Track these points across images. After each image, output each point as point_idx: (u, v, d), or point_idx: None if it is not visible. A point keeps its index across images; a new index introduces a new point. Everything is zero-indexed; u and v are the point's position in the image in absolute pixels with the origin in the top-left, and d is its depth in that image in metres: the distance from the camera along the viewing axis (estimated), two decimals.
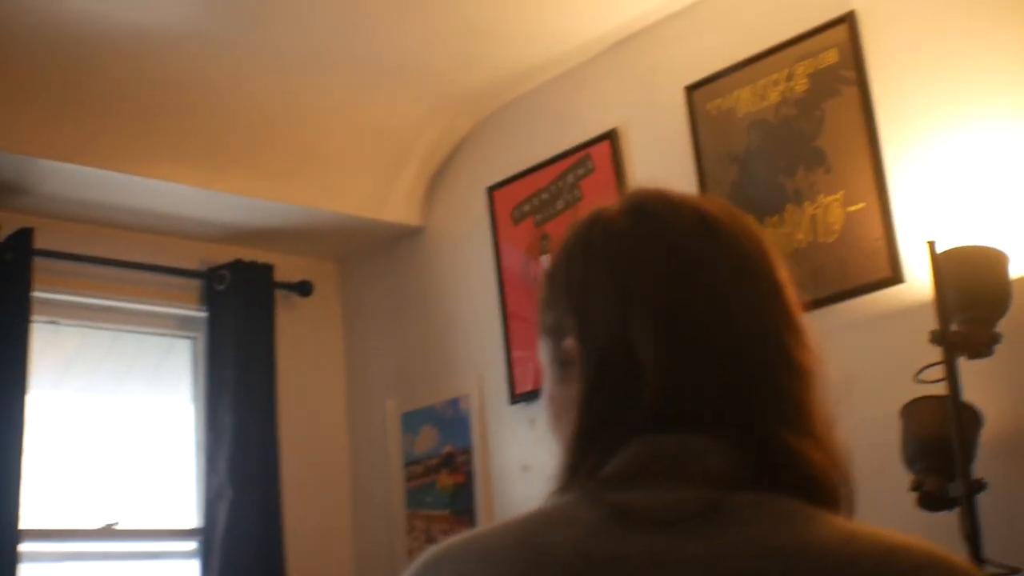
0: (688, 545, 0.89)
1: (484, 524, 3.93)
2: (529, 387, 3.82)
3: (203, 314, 4.22)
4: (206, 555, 4.00)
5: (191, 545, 4.12)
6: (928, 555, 0.90)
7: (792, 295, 1.05)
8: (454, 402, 4.12)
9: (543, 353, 1.10)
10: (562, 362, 1.05)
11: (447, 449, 4.12)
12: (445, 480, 4.10)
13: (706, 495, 0.92)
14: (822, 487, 0.97)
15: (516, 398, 3.89)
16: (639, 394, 0.97)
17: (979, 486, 2.52)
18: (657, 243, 1.03)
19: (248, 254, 4.28)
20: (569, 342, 1.03)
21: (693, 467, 0.94)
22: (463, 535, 0.99)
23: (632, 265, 1.02)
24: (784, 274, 1.06)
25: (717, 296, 1.00)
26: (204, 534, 4.03)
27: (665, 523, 0.91)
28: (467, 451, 4.04)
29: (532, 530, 0.95)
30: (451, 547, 0.98)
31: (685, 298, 1.00)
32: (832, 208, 3.14)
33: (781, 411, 0.98)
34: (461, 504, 4.02)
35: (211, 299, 4.21)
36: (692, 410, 0.97)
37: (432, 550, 1.00)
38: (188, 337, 4.35)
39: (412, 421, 4.27)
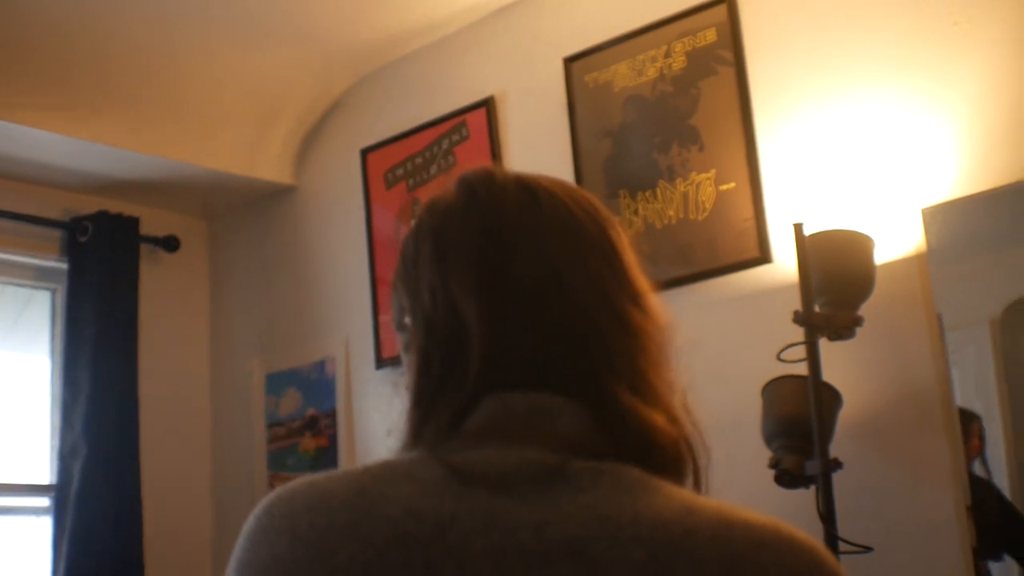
0: (521, 509, 0.89)
1: None
2: (396, 352, 3.80)
3: (64, 265, 4.10)
4: (59, 512, 3.91)
5: (44, 501, 4.03)
6: (769, 531, 0.88)
7: (631, 259, 1.06)
8: (319, 365, 4.09)
9: (398, 342, 1.10)
10: (406, 342, 1.06)
11: (311, 412, 4.08)
12: (308, 443, 4.06)
13: (547, 459, 0.92)
14: (667, 456, 0.96)
15: (382, 363, 3.87)
16: (468, 352, 0.97)
17: (836, 465, 2.58)
18: (478, 211, 1.04)
19: (114, 206, 4.18)
20: (406, 320, 1.05)
21: (540, 428, 0.94)
22: (304, 479, 0.99)
23: (454, 234, 1.03)
24: (621, 238, 1.07)
25: (539, 256, 1.00)
26: (58, 491, 3.94)
27: (502, 486, 0.91)
28: (331, 415, 4.00)
29: (370, 482, 0.94)
30: (287, 490, 0.98)
31: (505, 260, 1.00)
32: (704, 186, 3.17)
33: (615, 370, 0.98)
34: (323, 467, 3.99)
35: (73, 250, 4.09)
36: (526, 367, 0.97)
37: (272, 493, 1.00)
38: (48, 289, 4.23)
39: (276, 383, 4.23)
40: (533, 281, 0.99)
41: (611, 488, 0.90)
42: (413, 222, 1.10)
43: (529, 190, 1.05)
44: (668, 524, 0.87)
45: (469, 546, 0.88)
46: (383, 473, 0.95)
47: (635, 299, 1.03)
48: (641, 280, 1.06)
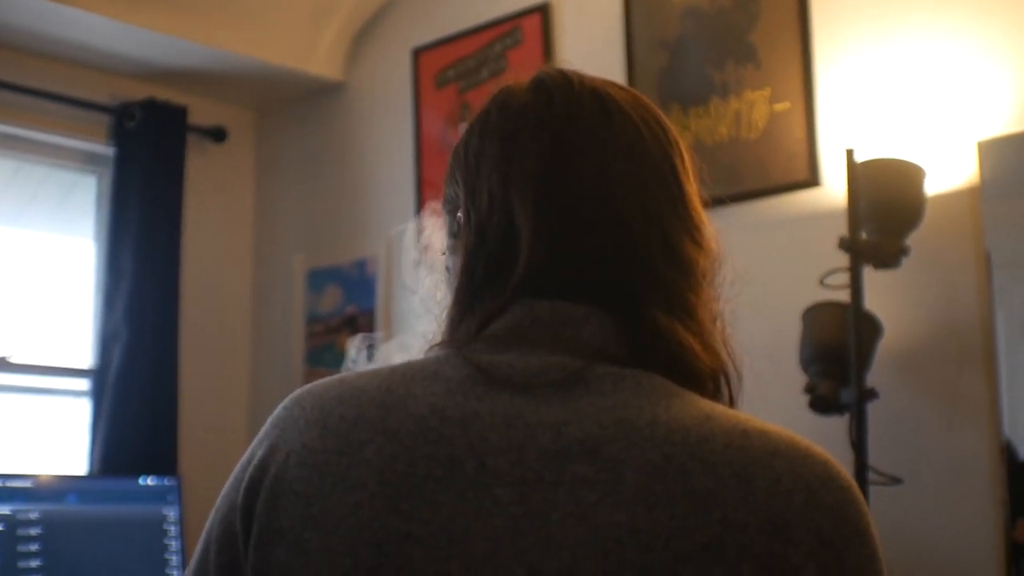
0: (540, 409, 0.91)
1: None
2: (437, 255, 3.79)
3: (111, 151, 4.10)
4: (98, 395, 3.96)
5: (84, 384, 4.08)
6: (784, 442, 0.88)
7: (692, 189, 1.05)
8: (360, 263, 4.09)
9: (442, 227, 1.11)
10: (454, 234, 1.07)
11: (350, 310, 4.10)
12: (346, 341, 4.08)
13: (569, 364, 0.93)
14: (693, 369, 0.97)
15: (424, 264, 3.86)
16: (515, 261, 0.98)
17: (871, 394, 2.57)
18: (548, 117, 1.03)
19: (162, 93, 4.16)
20: (459, 214, 1.05)
21: (566, 334, 0.96)
22: (335, 376, 1.01)
23: (521, 138, 1.02)
24: (686, 168, 1.06)
25: (602, 175, 1.00)
26: (97, 374, 3.99)
27: (524, 387, 0.93)
28: (370, 314, 4.02)
29: (398, 380, 0.96)
30: (319, 386, 1.01)
31: (569, 173, 1.00)
32: (757, 105, 3.12)
33: (657, 296, 0.98)
34: (360, 366, 4.01)
35: (120, 136, 4.09)
36: (567, 280, 0.98)
37: (302, 388, 1.02)
38: (93, 173, 4.24)
39: (317, 279, 4.24)
40: (592, 201, 0.99)
41: (632, 392, 0.92)
42: (481, 110, 1.08)
43: (604, 105, 1.04)
44: (685, 429, 0.88)
45: (489, 443, 0.90)
46: (411, 372, 0.97)
47: (690, 230, 1.03)
48: (699, 210, 1.06)
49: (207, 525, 1.00)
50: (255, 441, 1.01)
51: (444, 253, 1.10)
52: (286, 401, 1.01)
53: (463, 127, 1.10)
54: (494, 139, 1.04)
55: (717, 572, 0.82)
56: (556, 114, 1.03)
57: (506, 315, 0.98)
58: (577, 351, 0.95)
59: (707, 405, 0.92)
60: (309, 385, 1.02)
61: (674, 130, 1.08)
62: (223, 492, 1.00)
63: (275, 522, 0.93)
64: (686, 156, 1.07)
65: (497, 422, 0.91)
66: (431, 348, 1.03)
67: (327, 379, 1.01)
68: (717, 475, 0.85)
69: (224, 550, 0.96)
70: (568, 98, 1.04)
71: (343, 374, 1.01)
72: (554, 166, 1.00)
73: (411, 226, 1.19)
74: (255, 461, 0.98)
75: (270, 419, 1.01)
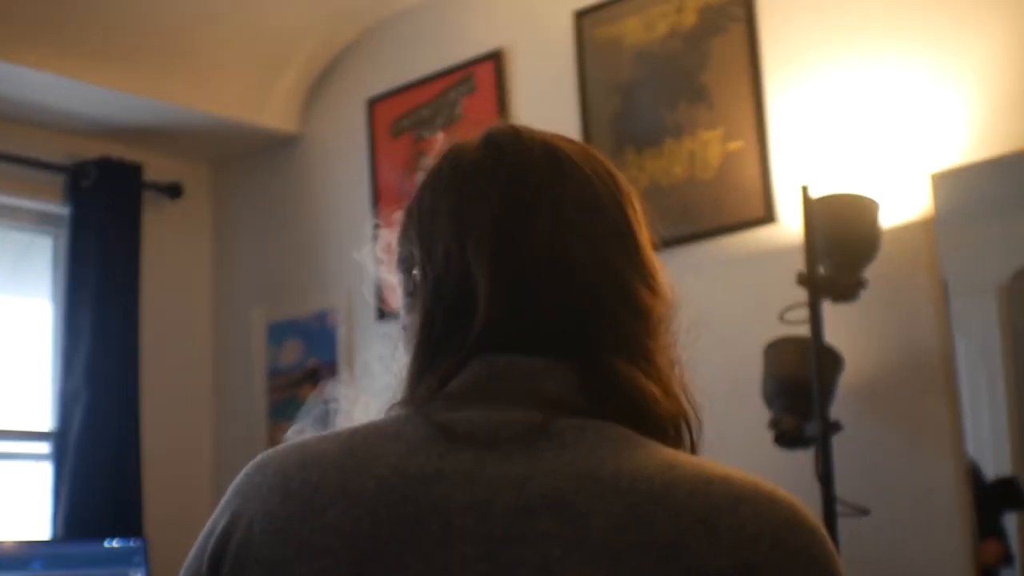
0: (503, 465, 0.91)
1: None
2: (397, 304, 3.79)
3: (66, 211, 4.08)
4: (59, 458, 3.92)
5: (44, 447, 4.03)
6: (748, 487, 0.88)
7: (644, 237, 1.06)
8: (321, 315, 4.08)
9: (397, 286, 1.10)
10: (411, 293, 1.06)
11: (312, 363, 4.08)
12: (309, 394, 4.06)
13: (531, 418, 0.93)
14: (654, 416, 0.97)
15: (384, 314, 3.86)
16: (473, 317, 0.98)
17: (835, 427, 2.58)
18: (500, 173, 1.03)
19: (116, 151, 4.15)
20: (415, 272, 1.05)
21: (525, 388, 0.96)
22: (296, 441, 1.00)
23: (474, 194, 1.02)
24: (638, 216, 1.07)
25: (556, 228, 1.01)
26: (58, 436, 3.94)
27: (487, 444, 0.92)
28: (332, 366, 4.00)
29: (359, 442, 0.96)
30: (280, 452, 1.00)
31: (523, 227, 1.00)
32: (711, 144, 3.15)
33: (616, 344, 0.99)
34: (323, 418, 3.99)
35: (75, 195, 4.07)
36: (525, 334, 0.98)
37: (263, 453, 1.01)
38: (49, 233, 4.22)
39: (277, 332, 4.22)
40: (546, 255, 1.00)
41: (594, 443, 0.91)
42: (432, 168, 1.09)
43: (554, 157, 1.05)
44: (648, 478, 0.88)
45: (454, 501, 0.89)
46: (371, 433, 0.97)
47: (645, 278, 1.04)
48: (652, 258, 1.06)
49: None
50: (218, 509, 0.99)
51: (400, 312, 1.10)
52: (248, 467, 1.00)
53: (420, 176, 1.10)
54: (447, 196, 1.04)
55: None
56: (507, 169, 1.03)
57: (465, 371, 0.98)
58: (538, 404, 0.94)
59: (670, 453, 0.92)
60: (271, 451, 1.01)
61: (624, 179, 1.09)
62: (186, 563, 0.99)
63: None
64: (637, 204, 1.08)
65: (460, 480, 0.90)
66: (391, 408, 1.02)
67: (288, 444, 1.01)
68: (681, 523, 0.85)
69: None
70: (518, 152, 1.05)
71: (303, 438, 1.00)
72: (508, 220, 1.00)
73: (367, 244, 1.18)
74: (217, 531, 0.97)
75: (232, 486, 1.00)
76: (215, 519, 0.98)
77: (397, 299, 1.11)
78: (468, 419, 0.94)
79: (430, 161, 1.10)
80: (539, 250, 1.00)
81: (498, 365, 0.97)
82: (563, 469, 0.89)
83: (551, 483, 0.88)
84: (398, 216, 1.10)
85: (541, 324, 0.99)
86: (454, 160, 1.07)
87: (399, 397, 1.03)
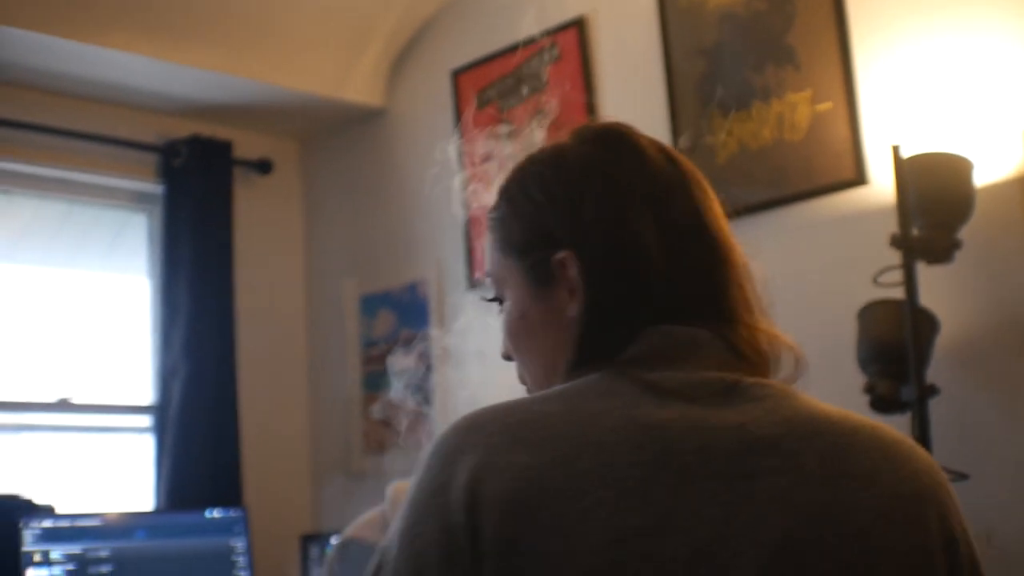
0: (716, 415, 1.04)
1: (440, 411, 3.95)
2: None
3: (159, 189, 4.16)
4: (160, 430, 4.01)
5: (146, 420, 4.12)
6: (893, 433, 1.10)
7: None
8: (412, 287, 4.11)
9: (511, 273, 1.19)
10: (544, 275, 1.15)
11: (405, 333, 4.11)
12: (401, 364, 4.09)
13: (725, 376, 1.08)
14: (774, 363, 1.15)
15: (475, 283, 3.89)
16: (648, 288, 1.11)
17: (932, 391, 2.55)
18: (639, 163, 1.15)
19: (206, 130, 4.21)
20: (563, 253, 1.13)
21: (702, 354, 1.09)
22: (496, 405, 1.06)
23: (622, 180, 1.14)
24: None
25: (693, 205, 1.15)
26: (159, 409, 4.03)
27: (691, 398, 1.05)
28: (425, 336, 4.03)
29: (575, 400, 1.05)
30: (490, 413, 1.04)
31: (668, 204, 1.14)
32: (799, 106, 3.11)
33: (738, 303, 1.14)
34: (416, 387, 4.02)
35: (168, 174, 4.14)
36: (687, 304, 1.12)
37: (468, 415, 1.05)
38: (144, 211, 4.30)
39: (370, 304, 4.26)
40: (692, 231, 1.14)
41: (779, 397, 1.08)
42: (530, 162, 1.19)
43: (663, 151, 1.18)
44: (837, 423, 1.07)
45: (684, 445, 1.01)
46: (578, 393, 1.06)
47: (734, 239, 1.18)
48: None
49: (397, 559, 1.00)
50: (431, 469, 1.02)
51: (521, 299, 1.18)
52: (456, 430, 1.04)
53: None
54: (588, 182, 1.14)
55: (896, 532, 1.03)
56: (635, 154, 1.16)
57: (642, 340, 1.09)
58: (720, 367, 1.09)
59: (823, 403, 1.10)
60: (473, 415, 1.05)
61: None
62: (411, 523, 1.01)
63: (510, 538, 0.97)
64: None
65: (684, 427, 1.02)
66: (565, 373, 1.12)
67: (495, 406, 1.05)
68: (873, 457, 1.05)
69: (452, 561, 0.97)
70: (630, 141, 1.18)
71: (501, 403, 1.06)
72: (657, 199, 1.14)
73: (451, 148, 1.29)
74: (459, 484, 0.99)
75: (443, 447, 1.03)
76: (437, 475, 1.01)
77: (499, 273, 1.21)
78: (669, 378, 1.06)
79: (525, 158, 1.21)
80: (686, 227, 1.14)
81: (676, 334, 1.10)
82: (767, 417, 1.05)
83: (764, 429, 1.03)
84: (485, 172, 1.19)
85: (697, 293, 1.12)
86: (576, 150, 1.18)
87: (571, 362, 1.12)
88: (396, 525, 1.03)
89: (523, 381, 1.23)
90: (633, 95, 3.49)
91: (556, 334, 1.15)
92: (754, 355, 1.12)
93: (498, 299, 1.23)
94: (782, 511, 1.00)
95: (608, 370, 1.07)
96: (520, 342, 1.19)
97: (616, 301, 1.11)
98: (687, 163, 1.18)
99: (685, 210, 1.14)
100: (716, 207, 1.17)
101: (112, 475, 4.07)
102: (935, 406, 2.57)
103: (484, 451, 1.00)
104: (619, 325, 1.10)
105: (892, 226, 2.61)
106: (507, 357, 1.24)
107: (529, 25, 3.79)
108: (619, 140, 1.17)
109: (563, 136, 1.20)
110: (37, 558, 3.25)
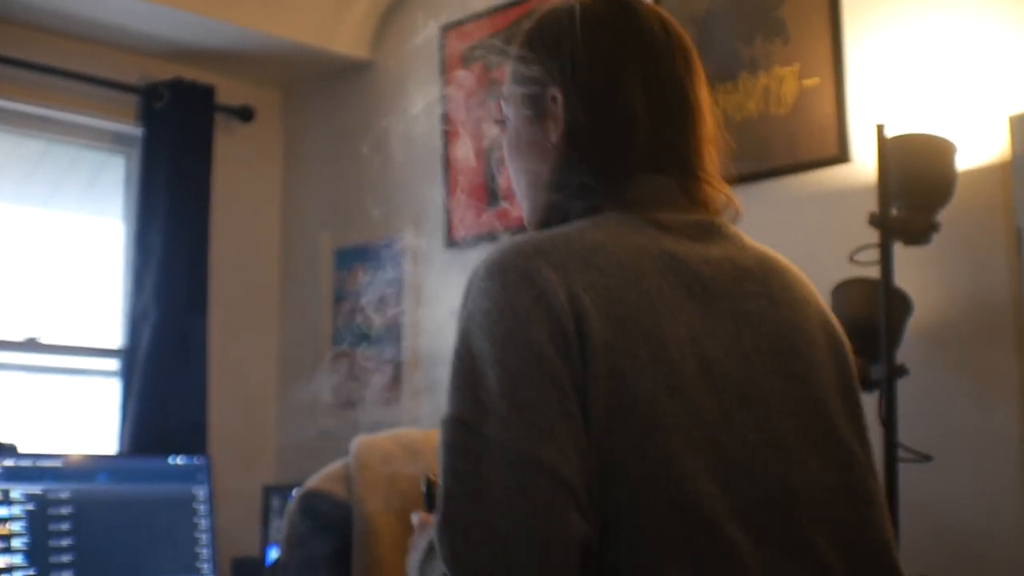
0: (712, 249, 1.30)
1: (408, 367, 3.94)
2: (464, 233, 3.79)
3: (139, 131, 4.12)
4: (127, 375, 3.99)
5: (113, 363, 4.10)
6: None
7: None
8: (388, 242, 4.09)
9: (514, 99, 1.39)
10: (537, 105, 1.36)
11: (378, 289, 4.09)
12: (373, 319, 4.08)
13: (703, 218, 1.32)
14: (733, 210, 1.40)
15: (452, 243, 3.87)
16: (630, 139, 1.31)
17: (901, 371, 2.55)
18: (638, 27, 1.35)
19: (189, 73, 4.17)
20: (554, 90, 1.34)
21: (680, 199, 1.33)
22: (537, 234, 1.25)
23: (620, 41, 1.34)
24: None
25: (675, 76, 1.35)
26: (127, 354, 4.01)
27: (691, 236, 1.29)
28: (397, 292, 4.01)
29: (614, 232, 1.25)
30: (541, 240, 1.22)
31: (659, 72, 1.34)
32: (787, 80, 3.10)
33: (704, 160, 1.35)
34: (389, 344, 4.02)
35: (148, 116, 4.10)
36: (663, 156, 1.32)
37: (514, 243, 1.22)
38: (122, 153, 4.25)
39: (345, 258, 4.24)
40: (672, 91, 1.34)
41: (739, 236, 1.34)
42: (552, 12, 1.40)
43: (658, 15, 1.38)
44: (777, 258, 1.36)
45: (702, 271, 1.26)
46: (618, 225, 1.27)
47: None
48: None
49: (510, 361, 1.13)
50: (512, 285, 1.17)
51: (518, 121, 1.39)
52: (516, 254, 1.20)
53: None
54: (592, 35, 1.34)
55: (821, 335, 1.33)
56: (641, 26, 1.35)
57: (639, 186, 1.31)
58: (697, 210, 1.33)
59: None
60: (519, 242, 1.21)
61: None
62: (513, 330, 1.15)
63: (609, 340, 1.16)
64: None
65: (697, 258, 1.27)
66: (586, 207, 1.31)
67: (531, 238, 1.23)
68: (802, 285, 1.36)
69: (564, 361, 1.14)
70: (644, 15, 1.37)
71: (535, 235, 1.24)
72: (648, 61, 1.33)
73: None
74: (560, 296, 1.16)
75: (507, 268, 1.19)
76: (531, 290, 1.16)
77: (508, 98, 1.41)
78: (672, 219, 1.29)
79: (548, 10, 1.41)
80: (671, 90, 1.34)
81: (658, 183, 1.32)
82: (741, 253, 1.32)
83: (743, 261, 1.31)
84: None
85: (672, 146, 1.33)
86: (589, 9, 1.36)
87: (553, 179, 1.35)
88: (479, 336, 1.16)
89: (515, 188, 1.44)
90: None
91: (540, 154, 1.36)
92: (709, 202, 1.35)
93: (503, 120, 1.43)
94: (771, 325, 1.28)
95: (622, 210, 1.29)
96: (513, 154, 1.41)
97: (593, 144, 1.32)
98: (682, 35, 1.38)
99: (670, 76, 1.34)
100: (699, 77, 1.37)
101: (77, 417, 4.04)
102: (903, 386, 2.57)
103: (564, 271, 1.18)
104: (606, 164, 1.31)
105: (872, 205, 2.60)
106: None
107: None
108: (627, 7, 1.36)
109: None
110: None
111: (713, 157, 1.37)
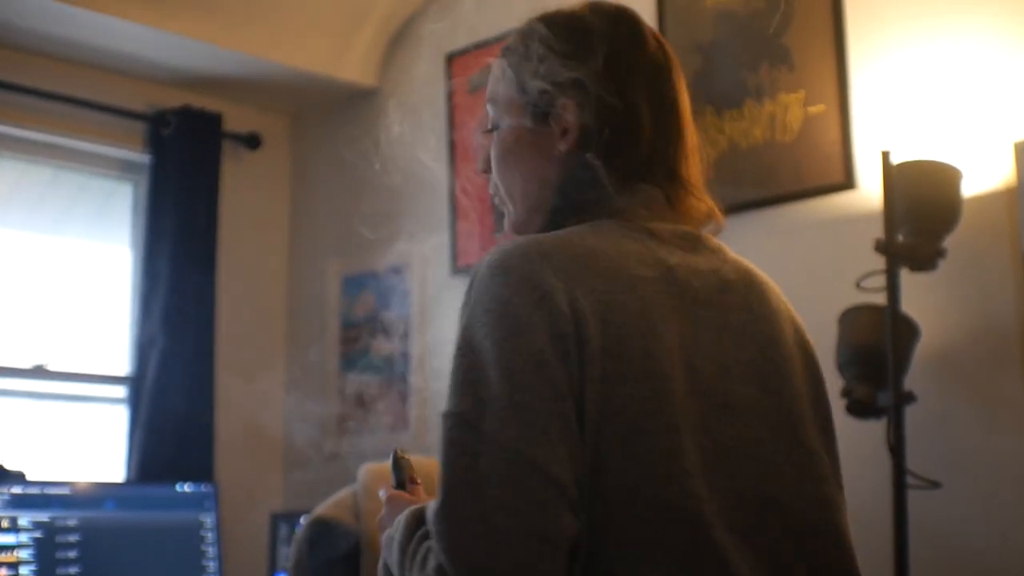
0: (700, 261, 1.34)
1: (415, 395, 3.94)
2: (472, 260, 3.80)
3: (147, 159, 4.13)
4: (135, 402, 3.99)
5: (120, 391, 4.10)
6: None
7: None
8: (396, 269, 4.09)
9: (512, 104, 1.41)
10: (542, 113, 1.38)
11: (385, 316, 4.10)
12: (380, 346, 4.08)
13: (691, 230, 1.38)
14: (717, 220, 1.44)
15: (458, 270, 3.87)
16: (636, 150, 1.35)
17: (909, 398, 2.54)
18: (642, 41, 1.40)
19: (197, 101, 4.19)
20: (565, 100, 1.37)
21: (668, 210, 1.37)
22: (536, 237, 1.28)
23: (626, 54, 1.38)
24: None
25: (671, 91, 1.41)
26: (134, 381, 4.01)
27: (680, 246, 1.34)
28: (405, 320, 4.02)
29: (610, 239, 1.29)
30: (542, 242, 1.25)
31: (659, 87, 1.39)
32: (792, 107, 3.11)
33: (690, 172, 1.40)
34: (395, 371, 4.02)
35: (156, 144, 4.12)
36: (657, 167, 1.37)
37: (516, 245, 1.25)
38: (130, 181, 4.27)
39: (352, 285, 4.25)
40: (668, 105, 1.39)
41: (722, 249, 1.39)
42: (557, 18, 1.43)
43: (653, 32, 1.43)
44: (755, 272, 1.40)
45: (691, 282, 1.31)
46: (613, 231, 1.31)
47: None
48: None
49: (508, 360, 1.17)
50: (514, 286, 1.20)
51: (518, 127, 1.41)
52: (520, 256, 1.23)
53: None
54: (598, 48, 1.37)
55: (806, 359, 1.39)
56: (646, 45, 1.40)
57: (635, 194, 1.35)
58: (683, 221, 1.37)
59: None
60: (522, 245, 1.24)
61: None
62: (514, 331, 1.18)
63: (606, 346, 1.19)
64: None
65: (687, 268, 1.32)
66: (584, 213, 1.35)
67: (532, 240, 1.26)
68: (776, 297, 1.39)
69: (562, 364, 1.17)
70: (647, 34, 1.42)
71: (539, 237, 1.27)
72: (656, 84, 1.38)
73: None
74: (561, 300, 1.20)
75: (509, 269, 1.22)
76: (533, 292, 1.20)
77: (501, 102, 1.43)
78: (662, 229, 1.34)
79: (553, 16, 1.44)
80: (667, 105, 1.39)
81: (648, 193, 1.36)
82: (724, 266, 1.36)
83: (727, 274, 1.35)
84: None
85: (671, 160, 1.38)
86: (591, 20, 1.40)
87: (556, 184, 1.38)
88: (482, 334, 1.19)
89: (494, 193, 1.46)
90: None
91: (542, 161, 1.38)
92: (693, 213, 1.39)
93: (494, 127, 1.44)
94: (751, 337, 1.32)
95: (616, 218, 1.33)
96: (509, 158, 1.42)
97: (608, 154, 1.34)
98: (671, 52, 1.43)
99: (667, 91, 1.39)
100: (685, 92, 1.43)
101: (85, 445, 4.04)
102: (911, 413, 2.56)
103: (565, 275, 1.22)
104: (611, 173, 1.34)
105: (878, 231, 2.61)
106: (484, 170, 1.46)
107: (525, 12, 3.77)
108: (629, 21, 1.42)
109: (579, 5, 1.44)
110: (5, 524, 3.23)
111: (698, 167, 1.42)
